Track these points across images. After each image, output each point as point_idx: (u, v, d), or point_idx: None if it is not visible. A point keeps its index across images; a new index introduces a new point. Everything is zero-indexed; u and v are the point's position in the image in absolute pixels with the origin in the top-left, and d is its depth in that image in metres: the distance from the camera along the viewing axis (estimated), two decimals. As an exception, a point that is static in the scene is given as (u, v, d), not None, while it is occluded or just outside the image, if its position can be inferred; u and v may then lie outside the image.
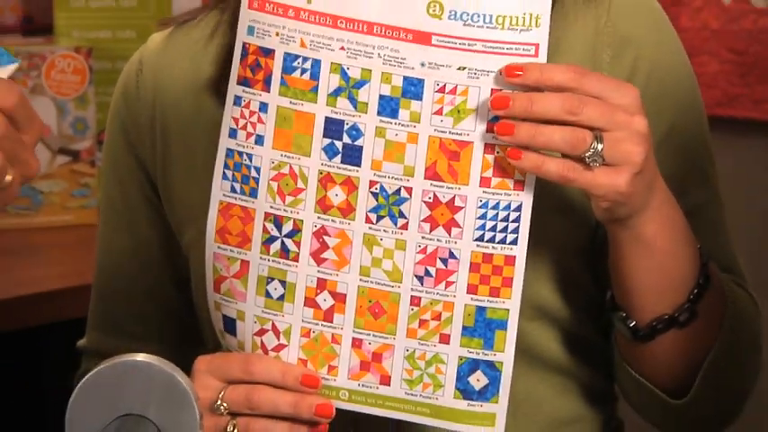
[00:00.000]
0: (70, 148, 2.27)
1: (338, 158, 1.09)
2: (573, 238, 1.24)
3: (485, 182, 1.07)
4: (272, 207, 1.11)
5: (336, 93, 1.09)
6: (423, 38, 1.07)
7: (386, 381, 1.12)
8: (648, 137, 1.06)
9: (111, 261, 1.39)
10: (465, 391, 1.11)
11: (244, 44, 1.11)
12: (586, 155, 1.02)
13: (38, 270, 2.00)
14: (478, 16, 1.05)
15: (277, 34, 1.09)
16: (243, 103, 1.11)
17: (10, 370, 2.16)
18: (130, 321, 1.38)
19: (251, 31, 1.10)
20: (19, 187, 1.05)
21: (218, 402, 1.11)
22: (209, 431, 1.13)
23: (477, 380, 1.10)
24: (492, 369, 1.10)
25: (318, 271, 1.11)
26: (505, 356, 1.10)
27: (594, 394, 1.31)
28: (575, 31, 1.24)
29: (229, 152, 1.10)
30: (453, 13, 1.06)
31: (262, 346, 1.13)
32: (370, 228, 1.10)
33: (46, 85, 2.26)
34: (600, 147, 1.02)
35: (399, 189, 1.09)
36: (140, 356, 0.94)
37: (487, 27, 1.05)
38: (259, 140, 1.10)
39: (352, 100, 1.09)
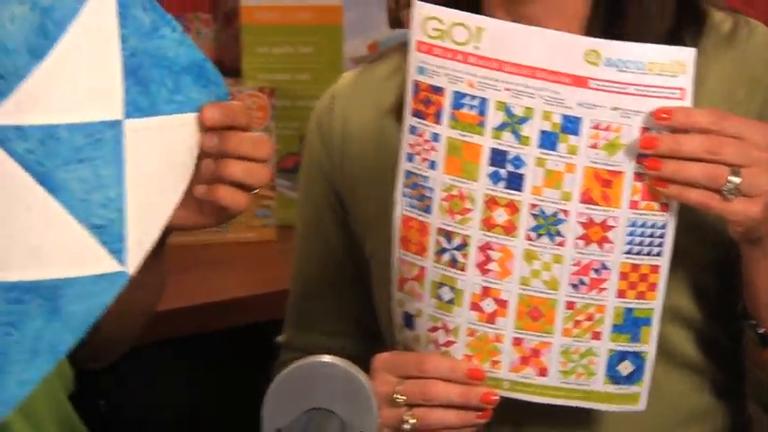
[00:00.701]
0: (256, 174, 2.54)
1: (502, 184, 1.15)
2: (707, 253, 1.27)
3: (634, 204, 1.13)
4: (443, 223, 1.17)
5: (501, 127, 1.15)
6: (580, 81, 1.13)
7: (543, 372, 1.18)
8: None
9: (306, 267, 1.47)
10: (614, 378, 1.18)
11: (415, 82, 1.17)
12: (724, 188, 1.08)
13: (228, 279, 2.09)
14: (632, 63, 1.11)
15: (446, 75, 1.15)
16: (417, 132, 1.18)
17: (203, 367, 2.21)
18: (321, 319, 1.45)
19: (421, 71, 1.16)
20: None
21: (397, 396, 1.19)
22: (388, 419, 1.20)
23: (625, 368, 1.17)
24: (638, 358, 1.18)
25: (483, 280, 1.17)
26: (650, 347, 1.17)
27: (725, 391, 1.33)
28: (714, 73, 1.29)
29: (407, 173, 1.18)
30: (609, 60, 1.12)
31: (434, 341, 1.19)
32: (530, 244, 1.15)
33: (236, 120, 2.51)
34: (737, 181, 1.08)
35: (557, 212, 1.14)
36: (326, 358, 1.00)
37: (639, 73, 1.11)
38: (432, 165, 1.16)
39: (516, 134, 1.15)
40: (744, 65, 1.32)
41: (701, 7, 1.36)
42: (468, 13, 1.20)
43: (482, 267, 1.17)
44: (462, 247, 1.17)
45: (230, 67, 2.59)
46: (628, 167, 1.14)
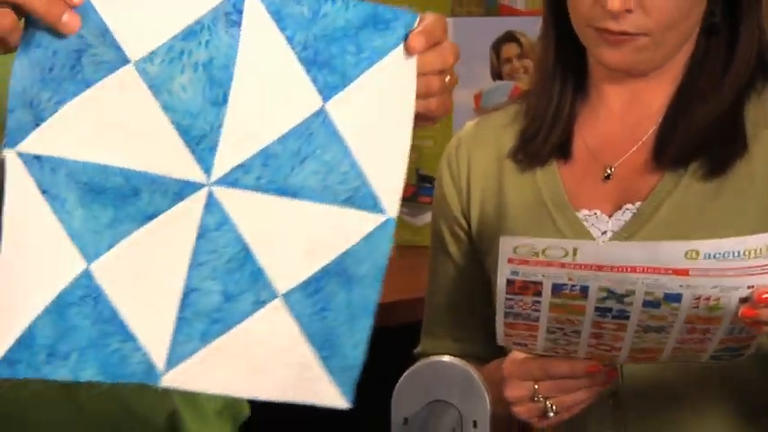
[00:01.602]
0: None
1: (609, 317, 1.16)
2: None
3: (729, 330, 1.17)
4: (553, 325, 1.18)
5: (604, 299, 1.15)
6: (681, 272, 1.12)
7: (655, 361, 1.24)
8: None
9: (438, 285, 1.50)
10: (716, 357, 1.21)
11: (509, 280, 1.15)
12: None
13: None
14: (729, 254, 1.10)
15: (543, 275, 1.14)
16: (515, 301, 1.17)
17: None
18: (454, 328, 1.48)
19: (515, 273, 1.15)
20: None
21: (537, 396, 1.24)
22: (532, 413, 1.26)
23: (726, 352, 1.20)
24: (736, 351, 1.21)
25: (597, 342, 1.19)
26: (752, 348, 1.19)
27: None
28: None
29: (507, 314, 1.18)
30: (708, 254, 1.10)
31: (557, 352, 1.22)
32: (637, 336, 1.17)
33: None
34: None
35: (663, 326, 1.15)
36: (446, 358, 1.08)
37: (737, 260, 1.10)
38: (536, 310, 1.18)
39: (620, 302, 1.15)
40: None
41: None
42: (560, 240, 1.29)
43: (597, 337, 1.19)
44: (575, 332, 1.19)
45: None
46: (726, 315, 1.15)
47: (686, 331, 1.18)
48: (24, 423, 1.34)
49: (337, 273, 1.06)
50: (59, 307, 1.01)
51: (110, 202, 1.03)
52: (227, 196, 1.04)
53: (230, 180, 1.04)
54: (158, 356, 1.05)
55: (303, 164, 1.04)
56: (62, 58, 0.99)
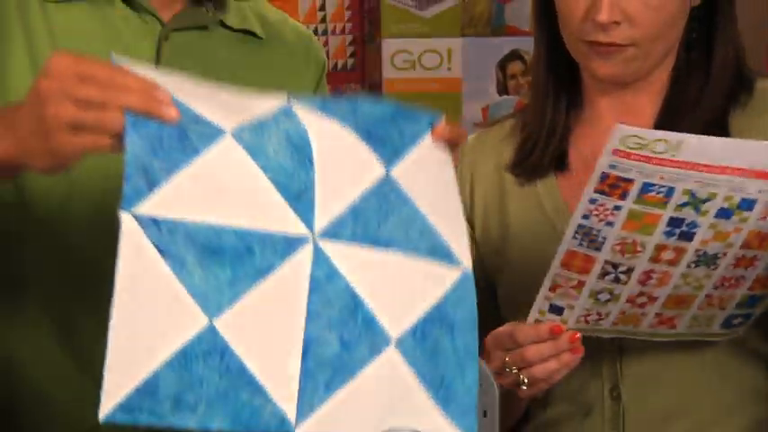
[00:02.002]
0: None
1: (674, 238, 1.17)
2: None
3: None
4: (611, 258, 1.20)
5: (684, 205, 1.15)
6: (764, 175, 1.15)
7: (673, 327, 1.26)
8: None
9: None
10: (727, 325, 1.26)
11: (604, 173, 1.16)
12: None
13: None
14: None
15: (639, 172, 1.14)
16: (598, 203, 1.18)
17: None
18: None
19: (613, 167, 1.15)
20: None
21: (507, 366, 1.26)
22: (508, 384, 1.27)
23: (737, 320, 1.26)
24: (748, 317, 1.25)
25: (641, 288, 1.22)
26: (760, 310, 1.24)
27: None
28: (756, 130, 1.33)
29: (580, 226, 1.19)
30: None
31: (584, 322, 1.25)
32: (687, 268, 1.20)
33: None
34: None
35: (718, 254, 1.18)
36: None
37: None
38: (609, 224, 1.18)
39: (696, 209, 1.16)
40: None
41: (749, 76, 1.42)
42: (668, 132, 1.20)
43: (643, 282, 1.22)
44: (627, 271, 1.21)
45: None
46: None
47: (736, 261, 1.20)
48: None
49: (439, 319, 1.09)
50: (183, 360, 1.02)
51: (227, 260, 1.04)
52: (331, 248, 1.07)
53: (332, 233, 1.06)
54: (289, 408, 1.05)
55: (387, 219, 1.09)
56: (170, 132, 1.04)
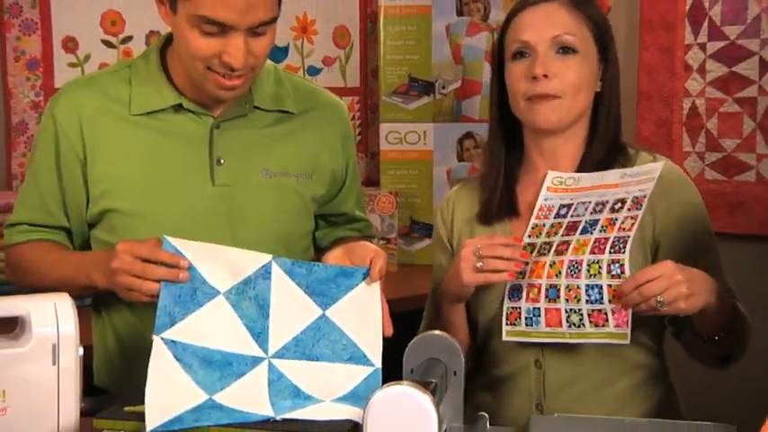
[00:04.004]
0: (387, 237, 2.77)
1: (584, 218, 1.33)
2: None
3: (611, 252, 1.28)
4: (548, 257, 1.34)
5: (582, 212, 1.35)
6: (614, 186, 1.36)
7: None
8: (685, 280, 1.24)
9: (435, 280, 1.61)
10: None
11: (542, 205, 1.38)
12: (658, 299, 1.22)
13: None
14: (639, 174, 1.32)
15: (559, 198, 1.40)
16: (537, 226, 1.38)
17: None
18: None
19: (546, 199, 1.38)
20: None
21: (477, 251, 1.37)
22: (468, 263, 1.38)
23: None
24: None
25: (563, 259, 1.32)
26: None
27: (655, 356, 1.47)
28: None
29: (529, 245, 1.36)
30: (623, 174, 1.37)
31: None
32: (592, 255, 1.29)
33: (377, 209, 2.73)
34: (661, 299, 1.22)
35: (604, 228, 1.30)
36: (437, 332, 1.21)
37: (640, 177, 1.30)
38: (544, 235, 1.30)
39: (593, 210, 1.37)
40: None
41: (624, 147, 1.50)
42: (572, 173, 1.43)
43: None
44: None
45: (374, 181, 2.89)
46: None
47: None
48: None
49: (355, 396, 1.22)
50: (197, 411, 1.19)
51: (216, 367, 1.21)
52: (279, 363, 1.23)
53: (280, 354, 1.24)
54: (272, 411, 1.22)
55: (319, 342, 1.24)
56: (186, 291, 1.22)
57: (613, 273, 1.29)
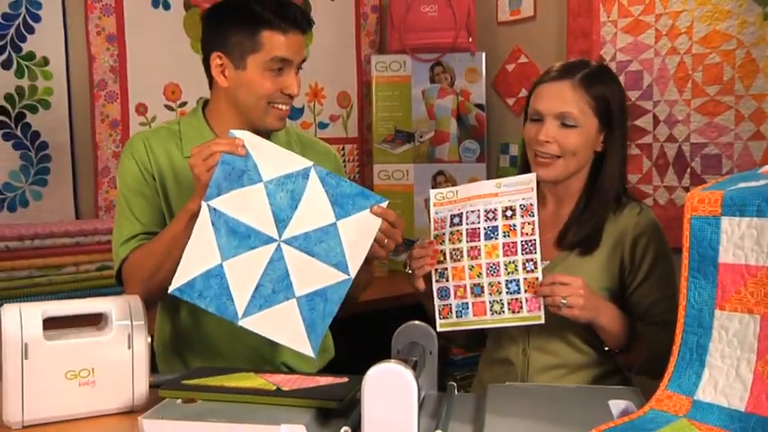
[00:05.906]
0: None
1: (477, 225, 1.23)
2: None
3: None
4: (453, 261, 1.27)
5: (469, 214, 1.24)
6: (491, 195, 1.28)
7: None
8: (585, 295, 1.23)
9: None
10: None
11: (435, 219, 1.29)
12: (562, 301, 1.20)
13: (372, 289, 1.62)
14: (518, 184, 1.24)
15: (449, 211, 1.30)
16: (439, 235, 1.27)
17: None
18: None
19: (437, 213, 1.29)
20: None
21: (408, 258, 1.31)
22: (415, 277, 1.32)
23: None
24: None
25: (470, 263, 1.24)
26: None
27: (597, 350, 1.40)
28: (609, 232, 1.36)
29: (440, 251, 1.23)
30: (501, 184, 1.27)
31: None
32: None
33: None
34: (564, 301, 1.19)
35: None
36: (417, 322, 1.21)
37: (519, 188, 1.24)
38: (443, 243, 1.25)
39: (484, 218, 1.26)
40: (624, 229, 1.36)
41: (621, 199, 1.41)
42: (450, 187, 1.35)
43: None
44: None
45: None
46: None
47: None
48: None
49: (322, 294, 1.17)
50: (206, 276, 1.16)
51: (237, 236, 1.16)
52: (285, 248, 1.18)
53: (289, 242, 1.18)
54: (240, 310, 1.17)
55: (321, 243, 1.18)
56: (236, 171, 1.16)
57: (528, 269, 1.27)
